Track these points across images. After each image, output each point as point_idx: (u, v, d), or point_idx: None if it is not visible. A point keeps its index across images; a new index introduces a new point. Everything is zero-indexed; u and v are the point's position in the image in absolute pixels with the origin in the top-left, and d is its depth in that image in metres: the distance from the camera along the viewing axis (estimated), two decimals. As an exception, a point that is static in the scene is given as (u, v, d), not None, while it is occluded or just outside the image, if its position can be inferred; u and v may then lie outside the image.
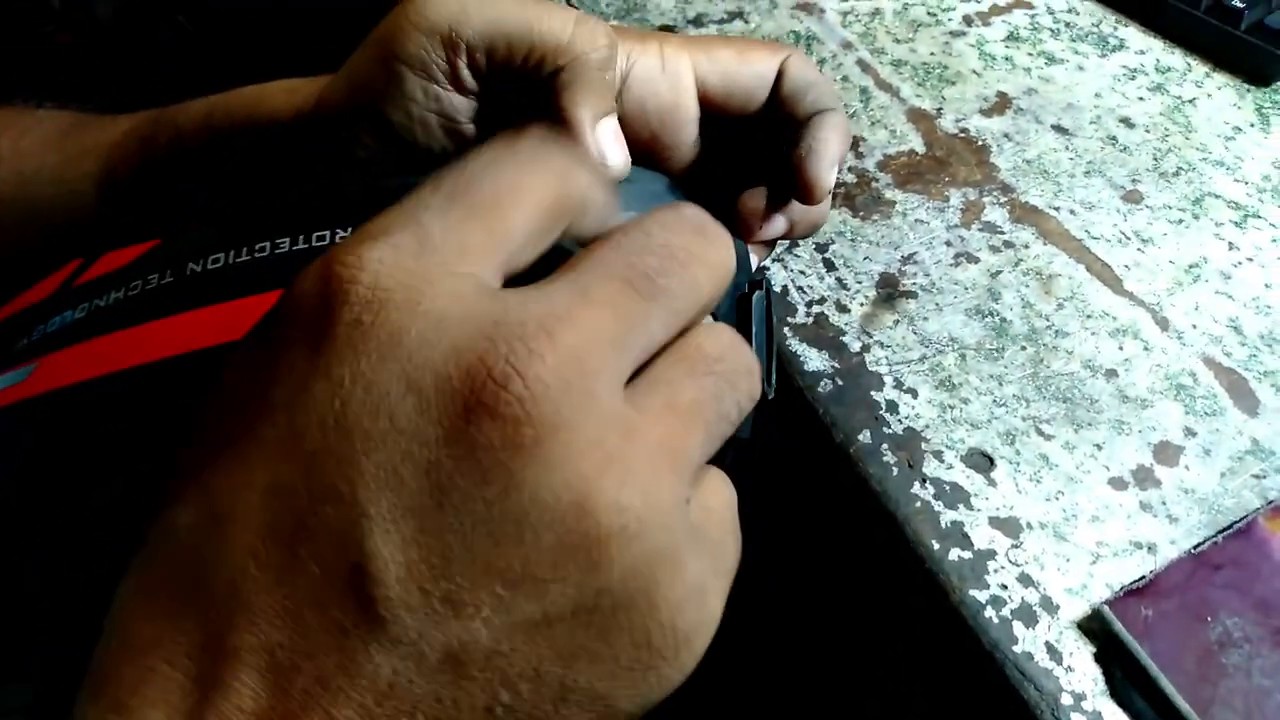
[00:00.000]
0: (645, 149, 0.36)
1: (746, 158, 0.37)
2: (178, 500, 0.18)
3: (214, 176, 0.38)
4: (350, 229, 0.29)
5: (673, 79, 0.34)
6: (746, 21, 0.60)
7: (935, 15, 0.61)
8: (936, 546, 0.37)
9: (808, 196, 0.34)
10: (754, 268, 0.37)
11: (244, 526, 0.17)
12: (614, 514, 0.17)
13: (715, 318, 0.33)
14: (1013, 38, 0.59)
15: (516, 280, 0.20)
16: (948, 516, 0.38)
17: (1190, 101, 0.55)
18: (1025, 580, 0.36)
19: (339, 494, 0.17)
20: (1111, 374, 0.42)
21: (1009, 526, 0.37)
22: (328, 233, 0.29)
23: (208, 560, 0.17)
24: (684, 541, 0.19)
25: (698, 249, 0.21)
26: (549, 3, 0.31)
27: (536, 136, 0.21)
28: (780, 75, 0.36)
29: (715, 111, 0.36)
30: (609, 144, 0.31)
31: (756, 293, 0.35)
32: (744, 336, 0.34)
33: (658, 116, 0.35)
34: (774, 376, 0.35)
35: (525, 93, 0.31)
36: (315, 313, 0.18)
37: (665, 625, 0.18)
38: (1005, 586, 0.36)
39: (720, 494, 0.21)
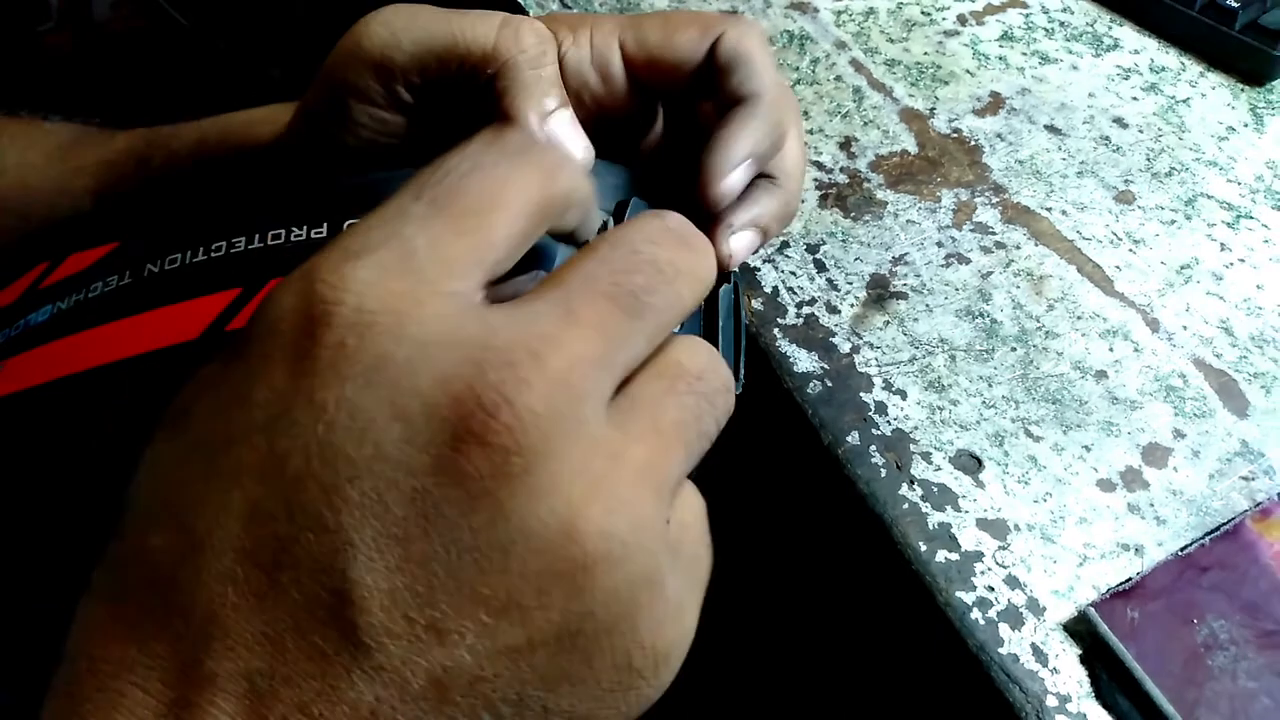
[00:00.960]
0: (596, 137, 0.35)
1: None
2: (147, 520, 0.18)
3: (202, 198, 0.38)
4: (305, 228, 0.29)
5: (601, 65, 0.33)
6: (740, 21, 0.60)
7: (929, 14, 0.61)
8: (924, 548, 0.37)
9: (702, 198, 0.31)
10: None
11: (222, 551, 0.17)
12: (600, 540, 0.17)
13: None
14: (1007, 37, 0.59)
15: (499, 278, 0.20)
16: (935, 518, 0.38)
17: (1184, 101, 0.55)
18: (1012, 582, 0.36)
19: (323, 521, 0.17)
20: (1101, 375, 0.42)
21: (996, 528, 0.37)
22: (283, 231, 0.29)
23: (182, 584, 0.17)
24: (665, 562, 0.19)
25: (683, 263, 0.21)
26: (477, 12, 0.30)
27: (517, 134, 0.21)
28: (713, 49, 0.32)
29: (651, 88, 0.34)
30: (565, 137, 0.30)
31: (724, 286, 0.34)
32: (710, 331, 0.34)
33: (594, 105, 0.34)
34: (742, 371, 0.35)
35: (470, 100, 0.31)
36: (297, 333, 0.18)
37: (646, 646, 0.18)
38: (992, 588, 0.36)
39: (693, 506, 0.21)
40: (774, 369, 0.43)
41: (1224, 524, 0.37)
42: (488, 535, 0.17)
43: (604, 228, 0.31)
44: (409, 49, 0.30)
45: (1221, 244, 0.48)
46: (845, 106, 0.54)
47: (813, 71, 0.56)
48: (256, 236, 0.29)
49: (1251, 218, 0.49)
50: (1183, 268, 0.47)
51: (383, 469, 0.17)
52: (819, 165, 0.51)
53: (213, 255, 0.29)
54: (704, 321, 0.34)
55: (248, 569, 0.17)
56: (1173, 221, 0.49)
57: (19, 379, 0.28)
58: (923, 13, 0.61)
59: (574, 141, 0.31)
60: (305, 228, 0.29)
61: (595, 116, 0.34)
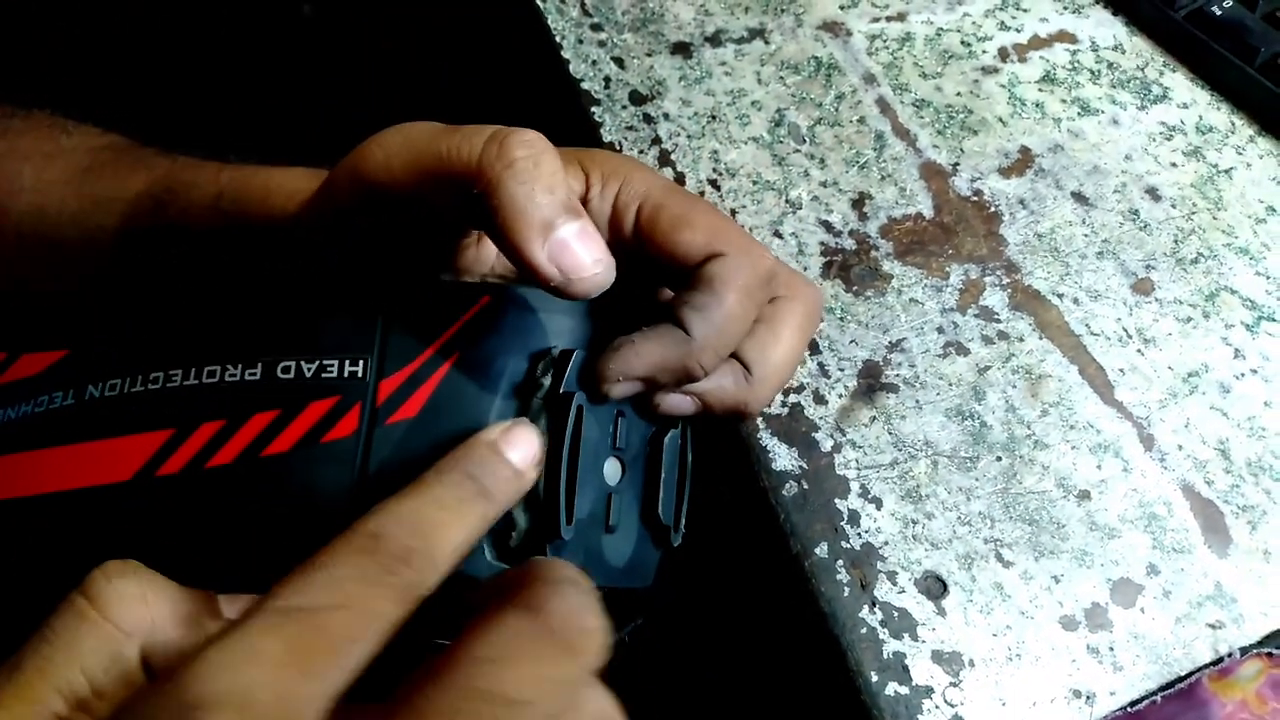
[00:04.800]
0: None
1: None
2: None
3: (218, 270, 0.38)
4: (240, 368, 0.30)
5: (616, 224, 0.33)
6: (767, 41, 0.57)
7: (969, 45, 0.57)
8: (875, 679, 0.37)
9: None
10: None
11: None
12: None
13: (624, 463, 0.33)
14: (1048, 79, 0.56)
15: None
16: (891, 646, 0.38)
17: (1226, 172, 0.52)
18: (957, 723, 0.37)
19: None
20: (1084, 496, 0.42)
21: (951, 662, 0.38)
22: (218, 369, 0.30)
23: None
24: None
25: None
26: (472, 127, 0.29)
27: (378, 560, 0.22)
28: (704, 262, 0.32)
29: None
30: (565, 258, 0.27)
31: (671, 433, 0.34)
32: (652, 482, 0.34)
33: None
34: (682, 523, 0.34)
35: (473, 217, 0.30)
36: None
37: None
38: (936, 729, 0.37)
39: None
40: (752, 464, 0.43)
41: (1179, 679, 0.37)
42: None
43: (549, 366, 0.30)
44: (401, 173, 0.29)
45: (1236, 349, 0.46)
46: (865, 156, 0.52)
47: (835, 110, 0.54)
48: (193, 372, 0.30)
49: (1274, 320, 0.47)
50: (1190, 375, 0.45)
51: None
52: (827, 226, 0.49)
53: (149, 388, 0.30)
54: (645, 472, 0.34)
55: None
56: (1189, 319, 0.47)
57: None
58: (962, 43, 0.57)
59: (581, 257, 0.27)
60: (240, 368, 0.30)
61: None
